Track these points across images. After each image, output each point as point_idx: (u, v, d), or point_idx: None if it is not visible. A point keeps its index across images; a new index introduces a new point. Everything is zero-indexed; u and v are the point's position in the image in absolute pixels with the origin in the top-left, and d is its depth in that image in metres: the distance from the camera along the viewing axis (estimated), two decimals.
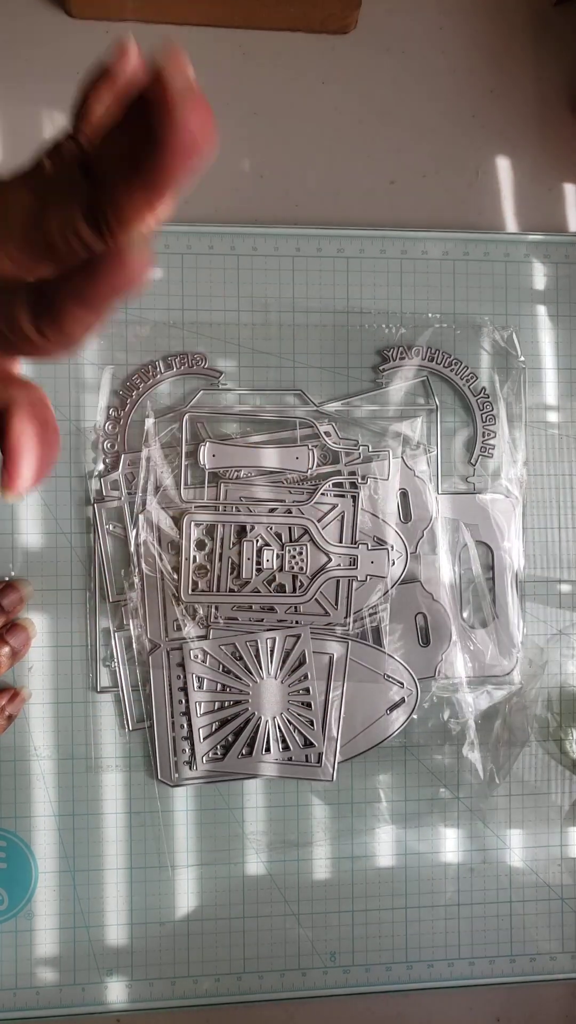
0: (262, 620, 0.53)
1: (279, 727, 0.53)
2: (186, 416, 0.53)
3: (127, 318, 0.54)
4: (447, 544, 0.55)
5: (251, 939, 0.53)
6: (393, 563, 0.54)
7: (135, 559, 0.52)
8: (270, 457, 0.53)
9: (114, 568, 0.53)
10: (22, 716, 0.52)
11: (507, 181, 0.57)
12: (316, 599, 0.53)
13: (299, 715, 0.53)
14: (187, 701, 0.52)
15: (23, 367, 0.30)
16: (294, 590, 0.53)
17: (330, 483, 0.53)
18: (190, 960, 0.53)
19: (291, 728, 0.53)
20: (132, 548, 0.52)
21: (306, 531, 0.53)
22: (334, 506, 0.53)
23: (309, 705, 0.53)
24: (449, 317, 0.56)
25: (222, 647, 0.52)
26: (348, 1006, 0.55)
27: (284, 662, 0.53)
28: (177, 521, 0.52)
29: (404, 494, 0.54)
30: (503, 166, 0.57)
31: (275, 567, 0.53)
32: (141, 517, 0.52)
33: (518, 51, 0.58)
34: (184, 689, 0.52)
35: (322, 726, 0.53)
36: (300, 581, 0.53)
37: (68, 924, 0.52)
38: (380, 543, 0.54)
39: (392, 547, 0.54)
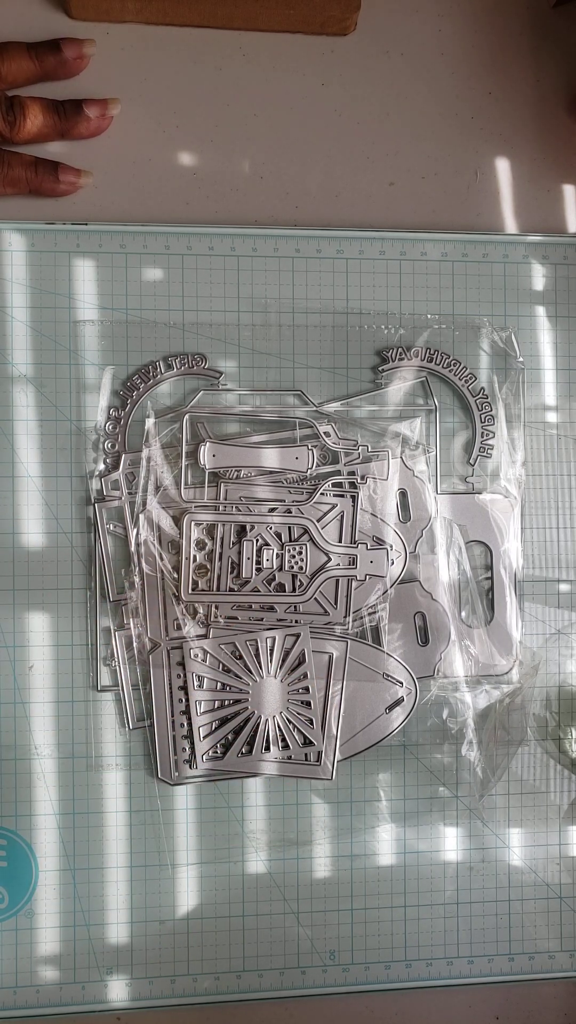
0: (262, 619, 0.53)
1: (279, 726, 0.53)
2: (186, 416, 0.53)
3: (127, 318, 0.54)
4: (446, 544, 0.55)
5: (251, 937, 0.54)
6: (392, 563, 0.54)
7: (135, 558, 0.53)
8: (270, 457, 0.53)
9: (114, 567, 0.53)
10: (23, 715, 0.52)
11: (506, 182, 0.58)
12: (315, 598, 0.53)
13: (298, 714, 0.53)
14: (187, 700, 0.52)
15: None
16: (294, 589, 0.53)
17: (330, 483, 0.53)
18: (190, 958, 0.53)
19: (291, 727, 0.53)
20: (132, 547, 0.53)
21: (306, 531, 0.53)
22: (333, 506, 0.54)
23: (308, 704, 0.53)
24: (448, 318, 0.56)
25: (222, 646, 0.53)
26: (347, 1005, 0.55)
27: (284, 661, 0.53)
28: (177, 521, 0.53)
29: (403, 494, 0.55)
30: (502, 168, 0.58)
31: (275, 567, 0.53)
32: (141, 517, 0.53)
33: (517, 53, 0.58)
34: (184, 688, 0.52)
35: (321, 725, 0.53)
36: (300, 580, 0.53)
37: (68, 923, 0.52)
38: (379, 543, 0.54)
39: (391, 547, 0.54)
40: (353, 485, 0.54)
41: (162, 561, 0.53)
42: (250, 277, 0.55)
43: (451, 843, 0.55)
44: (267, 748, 0.53)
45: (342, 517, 0.54)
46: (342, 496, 0.54)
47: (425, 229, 0.56)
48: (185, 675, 0.52)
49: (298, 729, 0.53)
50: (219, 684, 0.53)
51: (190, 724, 0.52)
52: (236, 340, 0.54)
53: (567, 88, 0.58)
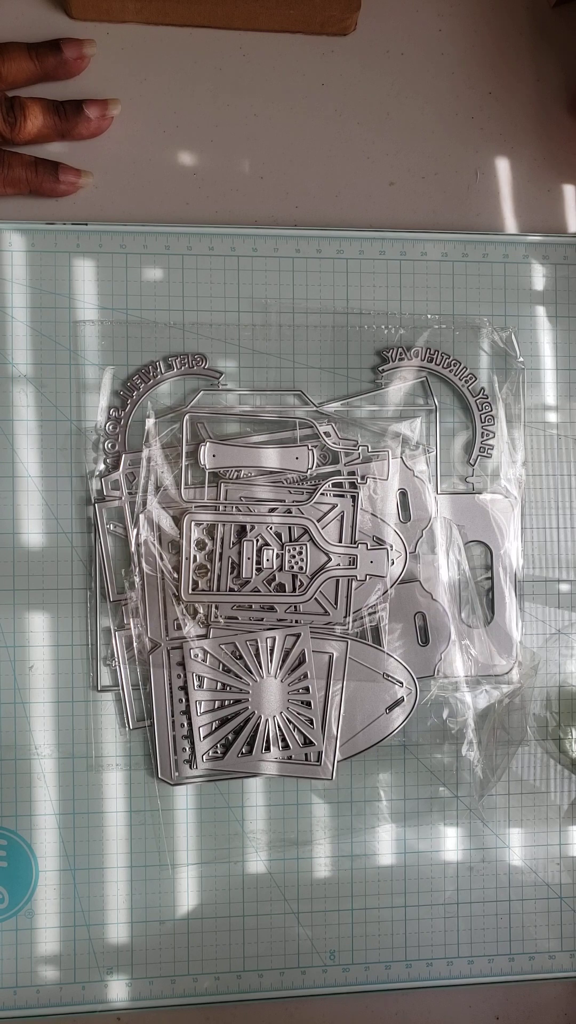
0: (262, 619, 0.53)
1: (279, 726, 0.53)
2: (186, 416, 0.53)
3: (127, 318, 0.54)
4: (446, 544, 0.55)
5: (251, 937, 0.54)
6: (392, 563, 0.54)
7: (135, 558, 0.53)
8: (270, 457, 0.53)
9: (115, 567, 0.53)
10: (23, 715, 0.52)
11: (506, 182, 0.58)
12: (316, 598, 0.53)
13: (299, 714, 0.53)
14: (187, 700, 0.52)
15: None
16: (294, 589, 0.53)
17: (330, 483, 0.53)
18: (190, 958, 0.53)
19: (291, 727, 0.53)
20: (133, 548, 0.53)
21: (306, 531, 0.53)
22: (334, 506, 0.54)
23: (309, 704, 0.53)
24: (448, 318, 0.56)
25: (222, 646, 0.53)
26: (347, 1005, 0.55)
27: (284, 661, 0.53)
28: (177, 521, 0.53)
29: (403, 494, 0.55)
30: (502, 167, 0.58)
31: (275, 567, 0.53)
32: (142, 517, 0.53)
33: (517, 53, 0.58)
34: (184, 688, 0.52)
35: (322, 725, 0.53)
36: (300, 580, 0.53)
37: (68, 923, 0.52)
38: (379, 543, 0.54)
39: (391, 547, 0.54)
40: (353, 485, 0.54)
41: (162, 561, 0.53)
42: (250, 277, 0.55)
43: (451, 843, 0.55)
44: (267, 748, 0.53)
45: (342, 517, 0.54)
46: (342, 496, 0.54)
47: (425, 229, 0.56)
48: (185, 675, 0.52)
49: (298, 729, 0.53)
50: (219, 684, 0.53)
51: (190, 724, 0.52)
52: (236, 340, 0.54)
53: (567, 88, 0.58)
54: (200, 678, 0.52)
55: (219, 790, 0.54)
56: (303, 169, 0.56)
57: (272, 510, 0.53)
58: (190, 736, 0.52)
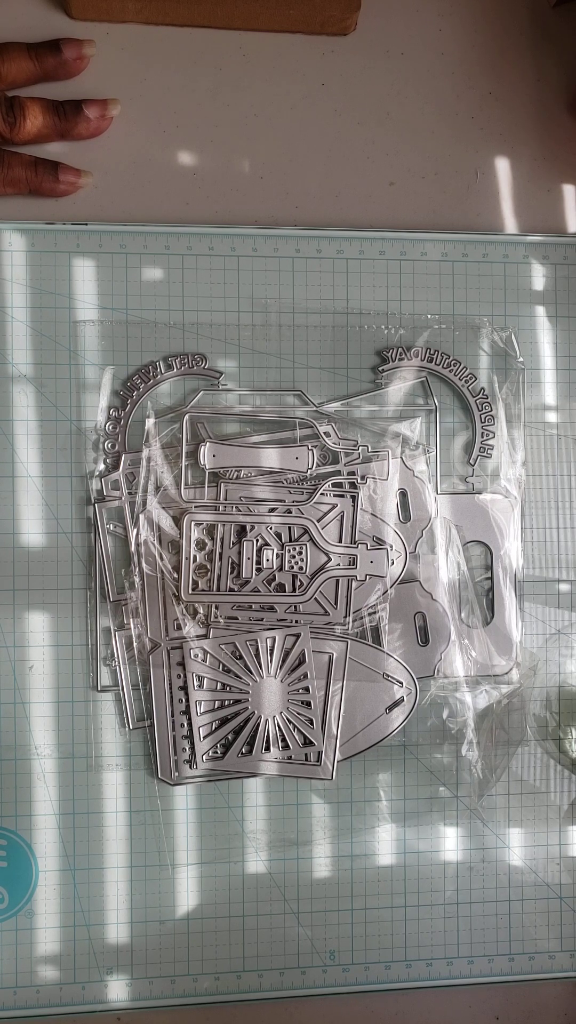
0: (262, 619, 0.53)
1: (279, 726, 0.53)
2: (186, 416, 0.53)
3: (127, 318, 0.54)
4: (446, 544, 0.55)
5: (251, 938, 0.54)
6: (392, 563, 0.54)
7: (135, 558, 0.53)
8: (270, 457, 0.53)
9: (114, 567, 0.53)
10: (23, 715, 0.52)
11: (506, 182, 0.58)
12: (316, 598, 0.53)
13: (298, 714, 0.53)
14: (187, 700, 0.52)
15: None
16: (294, 589, 0.53)
17: (330, 483, 0.53)
18: (190, 959, 0.53)
19: (291, 727, 0.53)
20: (132, 548, 0.53)
21: (306, 531, 0.53)
22: (334, 506, 0.54)
23: (308, 704, 0.53)
24: (448, 318, 0.56)
25: (222, 646, 0.53)
26: (347, 1005, 0.55)
27: (284, 661, 0.53)
28: (177, 521, 0.53)
29: (403, 494, 0.55)
30: (502, 167, 0.58)
31: (275, 567, 0.53)
32: (142, 517, 0.53)
33: (517, 53, 0.58)
34: (184, 688, 0.52)
35: (321, 725, 0.53)
36: (300, 581, 0.53)
37: (68, 923, 0.52)
38: (379, 543, 0.54)
39: (391, 547, 0.54)
40: (353, 485, 0.54)
41: (162, 561, 0.53)
42: (250, 277, 0.55)
43: (451, 843, 0.55)
44: (267, 748, 0.53)
45: (342, 517, 0.54)
46: (342, 496, 0.54)
47: (425, 229, 0.56)
48: (185, 675, 0.52)
49: (298, 729, 0.53)
50: (219, 684, 0.53)
51: (190, 724, 0.52)
52: (236, 340, 0.54)
53: (567, 88, 0.58)
54: (200, 678, 0.52)
55: (219, 790, 0.54)
56: (303, 169, 0.56)
57: (272, 510, 0.53)
58: (190, 736, 0.52)
